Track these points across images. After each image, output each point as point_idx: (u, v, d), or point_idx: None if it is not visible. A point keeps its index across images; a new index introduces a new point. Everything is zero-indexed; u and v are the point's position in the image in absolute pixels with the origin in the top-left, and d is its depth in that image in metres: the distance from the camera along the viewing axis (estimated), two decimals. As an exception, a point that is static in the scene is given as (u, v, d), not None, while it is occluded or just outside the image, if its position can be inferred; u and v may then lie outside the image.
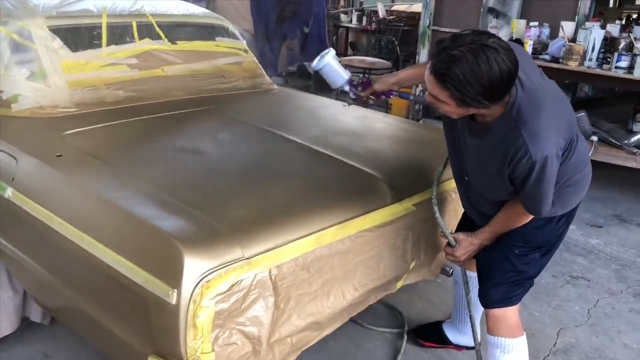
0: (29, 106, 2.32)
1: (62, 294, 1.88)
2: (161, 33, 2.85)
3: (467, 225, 2.07)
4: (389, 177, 2.09)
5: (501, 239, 1.88)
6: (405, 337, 2.51)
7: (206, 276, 1.48)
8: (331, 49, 2.23)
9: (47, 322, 2.30)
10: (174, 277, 1.47)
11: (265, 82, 3.21)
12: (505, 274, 1.88)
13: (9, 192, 1.96)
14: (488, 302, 1.94)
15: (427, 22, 5.91)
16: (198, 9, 3.26)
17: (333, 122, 2.72)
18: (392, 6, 9.90)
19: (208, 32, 3.14)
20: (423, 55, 5.99)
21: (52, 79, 2.40)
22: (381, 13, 9.06)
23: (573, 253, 3.45)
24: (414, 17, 9.02)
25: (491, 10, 5.50)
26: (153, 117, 2.42)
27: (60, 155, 1.98)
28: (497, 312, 1.92)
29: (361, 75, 2.30)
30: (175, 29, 2.97)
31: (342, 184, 2.02)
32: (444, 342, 2.48)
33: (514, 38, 4.95)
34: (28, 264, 1.98)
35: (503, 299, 1.91)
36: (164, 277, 1.49)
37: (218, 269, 1.50)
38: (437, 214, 2.00)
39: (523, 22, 4.95)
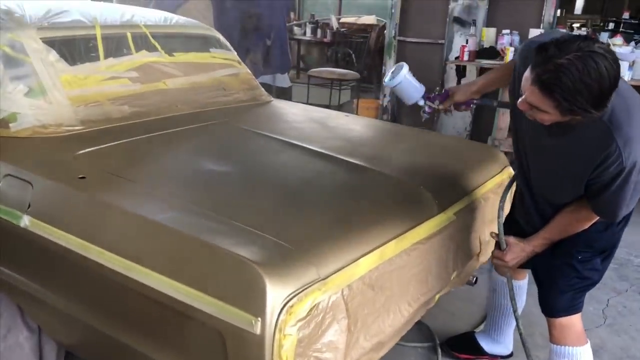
0: (30, 125, 2.10)
1: (100, 331, 1.68)
2: (157, 45, 2.69)
3: (511, 233, 1.98)
4: (431, 187, 2.02)
5: (560, 245, 1.84)
6: (439, 350, 2.44)
7: (288, 301, 1.36)
8: (404, 63, 2.15)
9: (60, 363, 2.08)
10: (255, 305, 1.33)
11: (263, 94, 3.09)
12: (569, 281, 1.84)
13: (26, 221, 1.76)
14: (554, 311, 1.89)
15: (393, 32, 5.93)
16: (185, 20, 3.11)
17: (350, 132, 2.62)
18: (340, 19, 9.94)
19: (201, 43, 2.99)
20: (389, 65, 6.01)
21: (53, 95, 2.19)
22: (334, 25, 9.08)
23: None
24: (366, 30, 9.11)
25: (457, 20, 5.58)
26: (167, 132, 2.24)
27: (84, 177, 1.79)
28: (564, 320, 1.88)
29: (437, 88, 2.26)
30: (169, 40, 2.81)
31: (389, 197, 1.94)
32: (478, 352, 2.43)
33: (484, 46, 5.05)
34: (51, 300, 1.78)
35: (569, 306, 1.87)
36: (243, 306, 1.34)
37: (298, 293, 1.38)
38: (499, 215, 1.92)
39: (493, 30, 5.05)
